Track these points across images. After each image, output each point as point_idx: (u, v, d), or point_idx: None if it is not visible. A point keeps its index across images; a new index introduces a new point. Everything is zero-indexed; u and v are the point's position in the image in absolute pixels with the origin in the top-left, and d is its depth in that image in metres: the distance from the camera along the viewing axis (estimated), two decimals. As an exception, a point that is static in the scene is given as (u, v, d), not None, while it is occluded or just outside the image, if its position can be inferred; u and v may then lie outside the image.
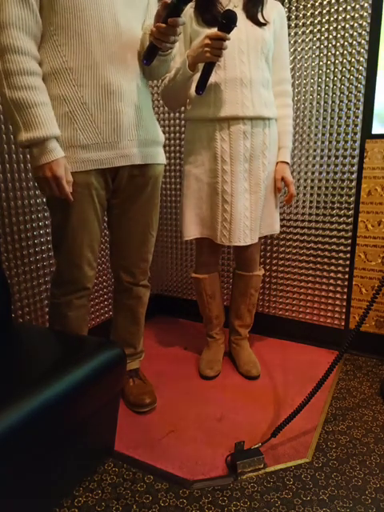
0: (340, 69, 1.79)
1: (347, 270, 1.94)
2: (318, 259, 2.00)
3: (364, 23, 1.70)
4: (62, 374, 1.02)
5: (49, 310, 1.46)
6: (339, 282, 1.97)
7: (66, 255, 1.32)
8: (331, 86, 1.82)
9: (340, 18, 1.74)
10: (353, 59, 1.75)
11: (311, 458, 1.31)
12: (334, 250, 1.95)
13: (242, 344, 1.89)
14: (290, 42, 1.82)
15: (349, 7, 1.71)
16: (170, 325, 2.34)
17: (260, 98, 1.52)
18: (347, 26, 1.73)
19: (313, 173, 1.93)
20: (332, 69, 1.80)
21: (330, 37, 1.77)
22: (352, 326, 1.97)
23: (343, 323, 2.00)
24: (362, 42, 1.72)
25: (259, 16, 1.50)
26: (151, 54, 1.19)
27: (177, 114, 2.16)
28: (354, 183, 1.85)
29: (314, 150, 1.90)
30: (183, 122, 2.14)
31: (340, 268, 1.96)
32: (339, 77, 1.79)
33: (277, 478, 1.23)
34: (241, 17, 1.44)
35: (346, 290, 1.96)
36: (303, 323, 2.10)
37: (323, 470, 1.26)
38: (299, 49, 1.84)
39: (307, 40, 1.82)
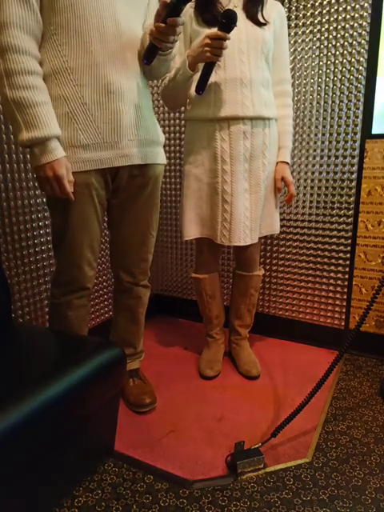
0: (340, 69, 1.79)
1: (347, 269, 1.94)
2: (318, 259, 2.00)
3: (364, 23, 1.70)
4: (62, 374, 1.02)
5: (49, 309, 1.45)
6: (339, 282, 1.97)
7: (66, 255, 1.32)
8: (331, 86, 1.82)
9: (340, 18, 1.74)
10: (353, 59, 1.75)
11: (311, 457, 1.31)
12: (334, 250, 1.95)
13: (242, 344, 1.89)
14: (290, 42, 1.82)
15: (349, 7, 1.71)
16: (169, 325, 2.33)
17: (260, 98, 1.52)
18: (347, 26, 1.73)
19: (313, 173, 1.93)
20: (332, 69, 1.80)
21: (330, 37, 1.77)
22: (352, 326, 1.97)
23: (343, 323, 2.00)
24: (362, 42, 1.72)
25: (259, 16, 1.50)
26: (151, 54, 1.19)
27: (177, 114, 2.16)
28: (354, 183, 1.85)
29: (314, 150, 1.90)
30: (183, 121, 2.14)
31: (340, 268, 1.96)
32: (339, 77, 1.79)
33: (277, 478, 1.23)
34: (241, 17, 1.44)
35: (345, 290, 1.96)
36: (303, 323, 2.10)
37: (323, 470, 1.26)
38: (299, 49, 1.84)
39: (307, 40, 1.82)
